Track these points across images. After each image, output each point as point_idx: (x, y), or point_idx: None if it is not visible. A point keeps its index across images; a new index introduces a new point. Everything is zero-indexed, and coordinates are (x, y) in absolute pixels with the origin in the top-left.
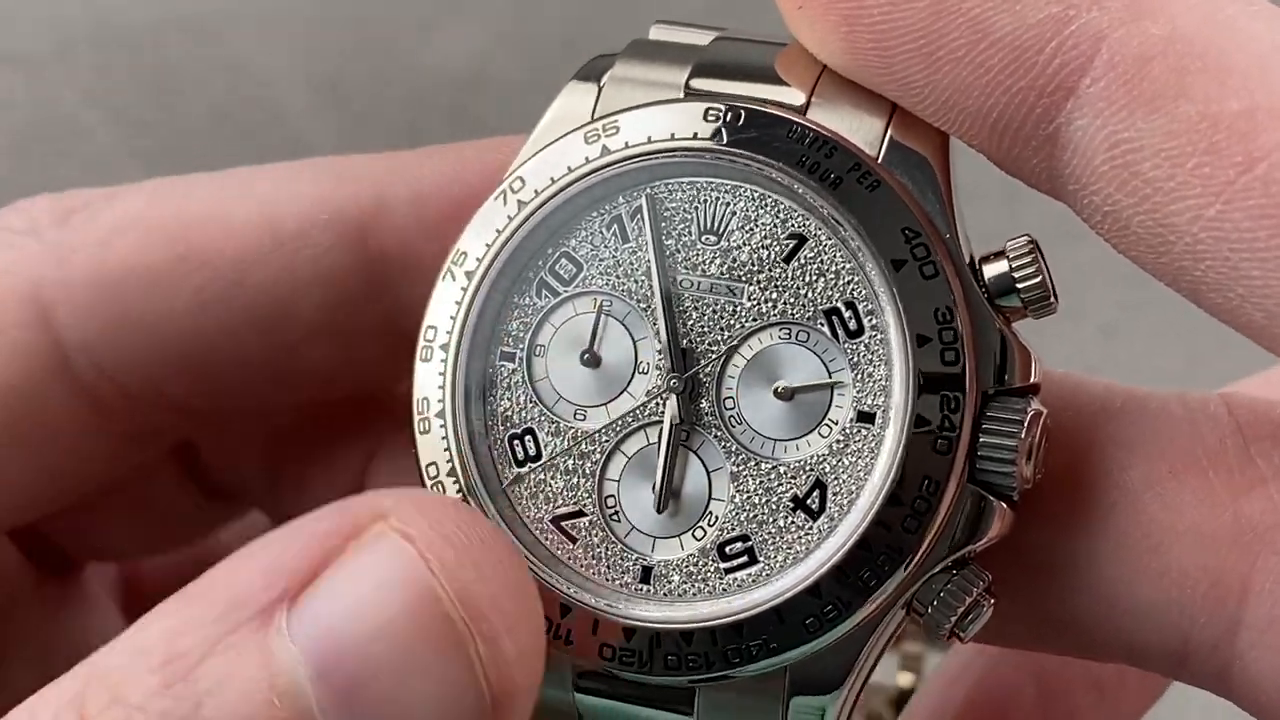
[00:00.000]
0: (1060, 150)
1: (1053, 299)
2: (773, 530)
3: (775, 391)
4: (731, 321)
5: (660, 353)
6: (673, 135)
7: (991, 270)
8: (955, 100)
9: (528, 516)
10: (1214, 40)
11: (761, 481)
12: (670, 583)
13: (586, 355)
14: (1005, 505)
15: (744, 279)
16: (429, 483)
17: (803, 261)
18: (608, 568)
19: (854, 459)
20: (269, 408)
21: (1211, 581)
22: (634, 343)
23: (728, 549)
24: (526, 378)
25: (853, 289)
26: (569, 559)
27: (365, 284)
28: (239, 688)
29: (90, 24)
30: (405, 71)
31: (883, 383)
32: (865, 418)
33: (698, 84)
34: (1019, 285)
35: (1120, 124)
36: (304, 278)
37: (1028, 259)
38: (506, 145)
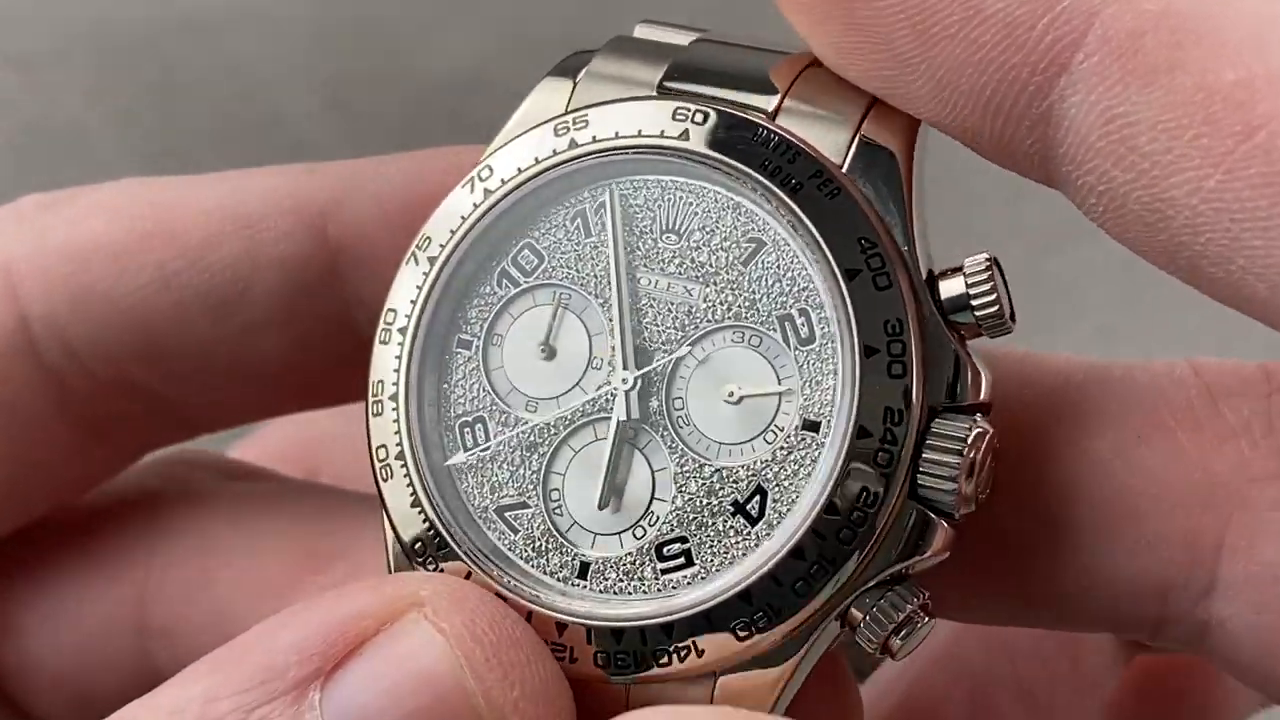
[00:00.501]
0: (1054, 129)
1: (1008, 320)
2: (711, 534)
3: (725, 396)
4: (687, 322)
5: (615, 349)
6: (640, 132)
7: (947, 288)
8: (948, 78)
9: (472, 505)
10: (1207, 12)
11: (704, 484)
12: (607, 580)
13: (542, 347)
14: (946, 524)
15: (701, 280)
16: (378, 465)
17: (761, 265)
18: (546, 561)
19: (796, 466)
20: (222, 402)
21: (1186, 544)
22: (590, 338)
23: (665, 549)
24: (482, 366)
25: (807, 296)
26: (509, 549)
27: (323, 272)
28: None
29: (90, 24)
30: (406, 73)
31: (830, 392)
32: (811, 426)
33: (672, 84)
34: (974, 304)
35: (1115, 99)
36: (263, 260)
37: (984, 278)
38: (476, 150)
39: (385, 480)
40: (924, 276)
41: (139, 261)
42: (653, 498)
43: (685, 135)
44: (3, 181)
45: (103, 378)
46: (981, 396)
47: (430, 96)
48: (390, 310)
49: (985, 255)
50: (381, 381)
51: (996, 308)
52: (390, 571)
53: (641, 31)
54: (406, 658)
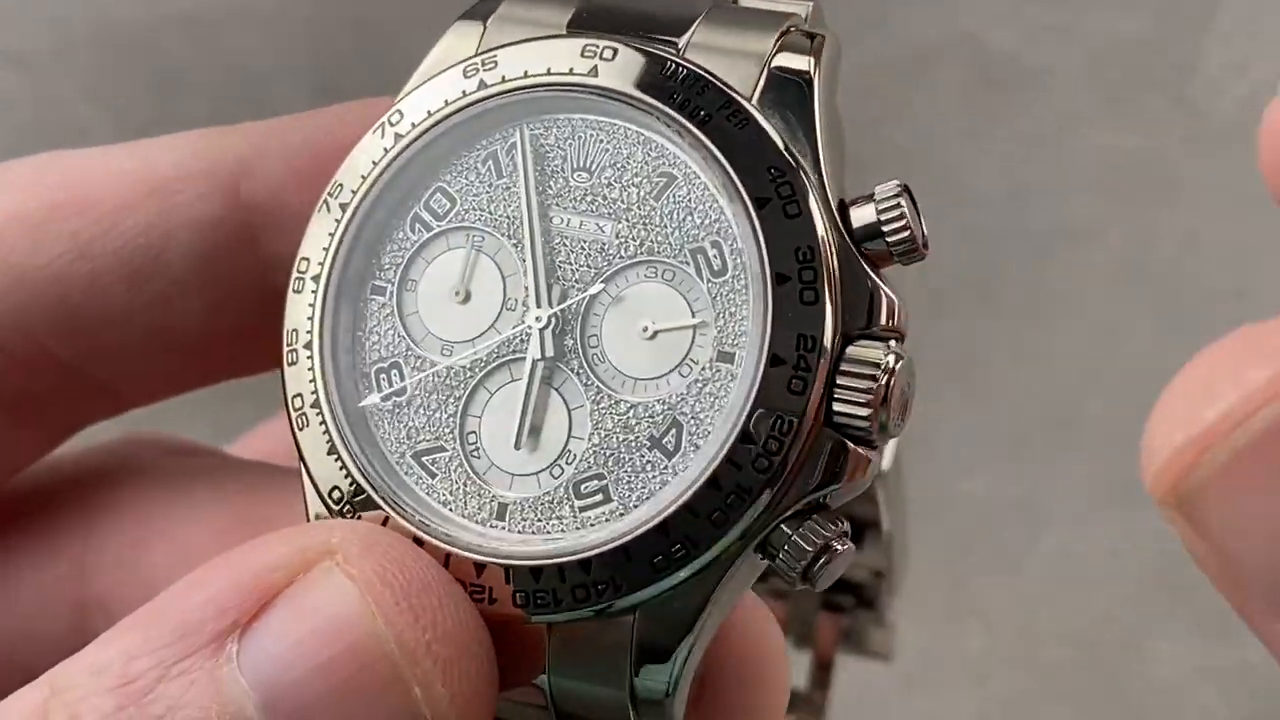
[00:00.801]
0: None
1: (921, 247)
2: (629, 469)
3: (639, 331)
4: (600, 259)
5: (529, 289)
6: (549, 70)
7: (858, 215)
8: None
9: (389, 450)
10: None
11: (620, 420)
12: (525, 519)
13: (456, 291)
14: (863, 451)
15: (614, 216)
16: (294, 414)
17: (672, 200)
18: (464, 504)
19: (711, 399)
20: (145, 374)
21: None
22: (504, 279)
23: (583, 487)
24: (396, 312)
25: (719, 228)
26: (427, 493)
27: (237, 234)
28: (190, 715)
29: (90, 24)
30: (405, 72)
31: (744, 322)
32: (725, 358)
33: (580, 28)
34: (885, 231)
35: None
36: (176, 223)
37: (892, 205)
38: (388, 103)
39: (301, 429)
40: (836, 205)
41: (53, 232)
42: (569, 436)
43: (594, 72)
44: None
45: (21, 355)
46: (896, 323)
47: None
48: (303, 259)
49: (896, 182)
50: (296, 330)
51: (908, 233)
52: (309, 520)
53: None
54: (319, 607)
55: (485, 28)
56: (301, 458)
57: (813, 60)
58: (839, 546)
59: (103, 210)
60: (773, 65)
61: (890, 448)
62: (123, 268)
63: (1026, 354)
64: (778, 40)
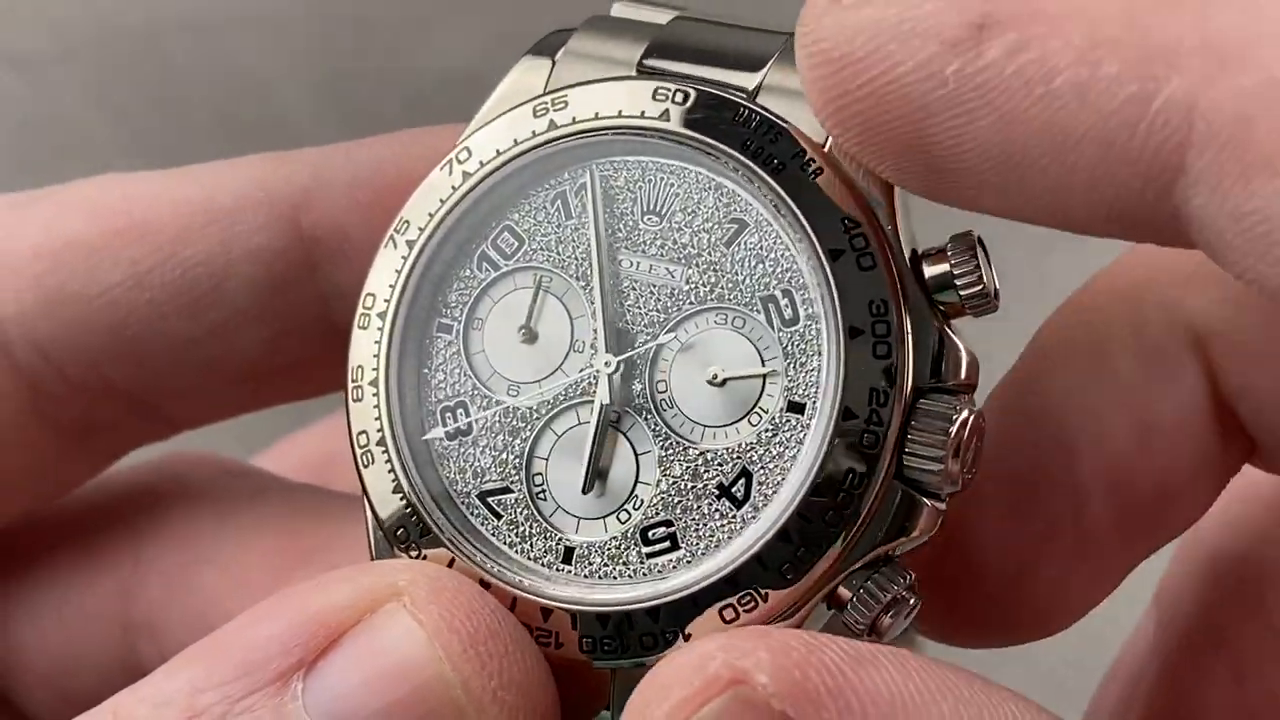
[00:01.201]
0: (1185, 228)
1: (993, 299)
2: (696, 517)
3: (708, 378)
4: (669, 304)
5: (596, 332)
6: (620, 113)
7: (931, 268)
8: (1055, 203)
9: (455, 490)
10: None
11: (688, 467)
12: (592, 564)
13: (523, 331)
14: (934, 504)
15: (684, 261)
16: (359, 451)
17: (743, 247)
18: (530, 546)
19: (781, 449)
20: (201, 400)
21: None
22: (571, 321)
23: (650, 534)
24: (463, 350)
25: (790, 277)
26: (493, 535)
27: (298, 264)
28: None
29: (90, 24)
30: (406, 71)
31: (815, 373)
32: (795, 408)
33: (651, 63)
34: (958, 283)
35: (1240, 196)
36: (236, 254)
37: (967, 256)
38: (450, 132)
39: (366, 466)
40: (908, 256)
41: (111, 259)
42: (637, 481)
43: (666, 115)
44: (2, 181)
45: (77, 380)
46: (965, 376)
47: (430, 95)
48: (369, 295)
49: (970, 233)
50: (361, 367)
51: (980, 286)
52: (372, 558)
53: (619, 10)
54: (385, 649)
55: (554, 64)
56: (366, 494)
57: None
58: (908, 598)
59: (163, 239)
60: None
61: None
62: (182, 297)
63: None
64: None
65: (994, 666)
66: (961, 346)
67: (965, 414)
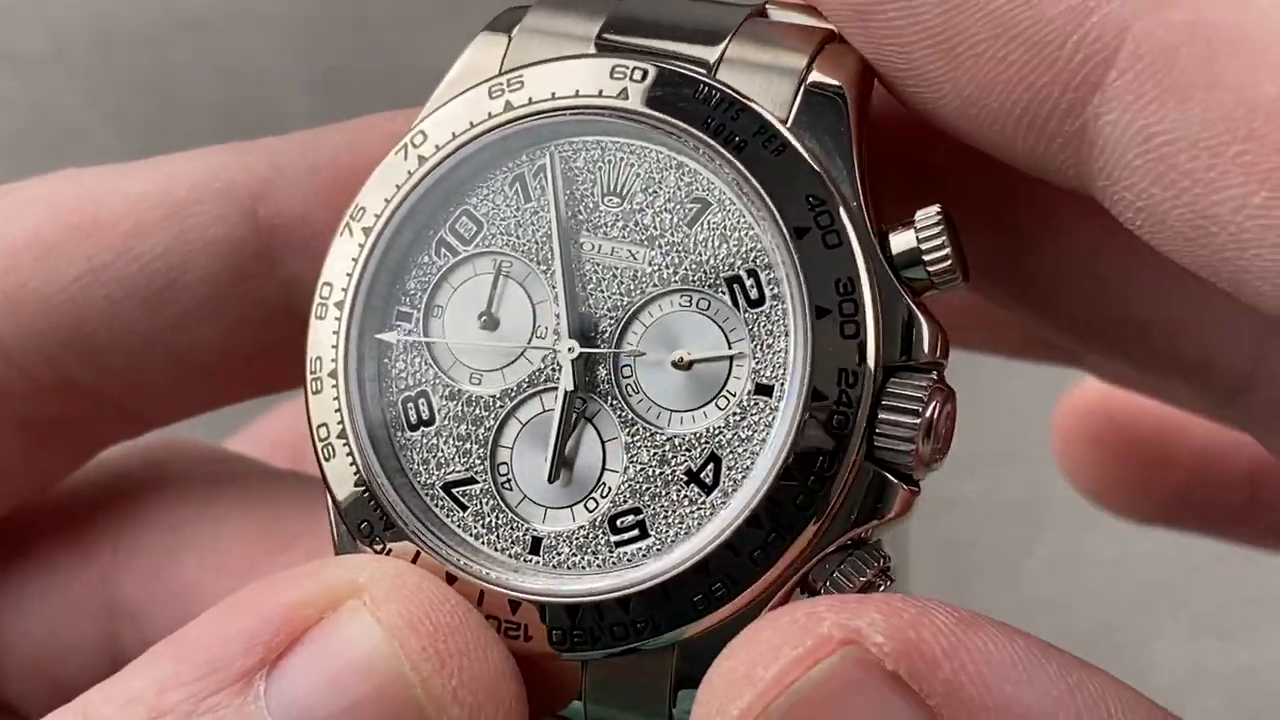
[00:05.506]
0: (1089, 146)
1: (960, 274)
2: (665, 504)
3: (674, 361)
4: (632, 287)
5: (559, 317)
6: (577, 92)
7: (898, 242)
8: (977, 97)
9: (418, 481)
10: (1240, 24)
11: (656, 453)
12: (560, 554)
13: (484, 317)
14: (905, 487)
15: (646, 243)
16: (319, 444)
17: (706, 227)
18: (497, 537)
19: (749, 432)
20: (167, 397)
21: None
22: (533, 306)
23: (619, 521)
24: (423, 339)
25: (755, 256)
26: (459, 527)
27: (256, 255)
28: None
29: (90, 24)
30: (405, 72)
31: (782, 355)
32: (763, 390)
33: (610, 37)
34: (925, 258)
35: (1152, 117)
36: (194, 245)
37: (935, 231)
38: (410, 116)
39: (328, 459)
40: (875, 231)
41: (68, 256)
42: (604, 469)
43: (624, 94)
44: (2, 182)
45: (41, 379)
46: (937, 354)
47: (430, 95)
48: (326, 284)
49: (936, 207)
50: (320, 358)
51: (949, 261)
52: (336, 553)
53: None
54: (346, 647)
55: (510, 40)
56: (328, 488)
57: (850, 76)
58: (881, 584)
59: (118, 233)
60: (809, 82)
61: None
62: (139, 292)
63: None
64: (814, 55)
65: None
66: (929, 323)
67: (936, 392)
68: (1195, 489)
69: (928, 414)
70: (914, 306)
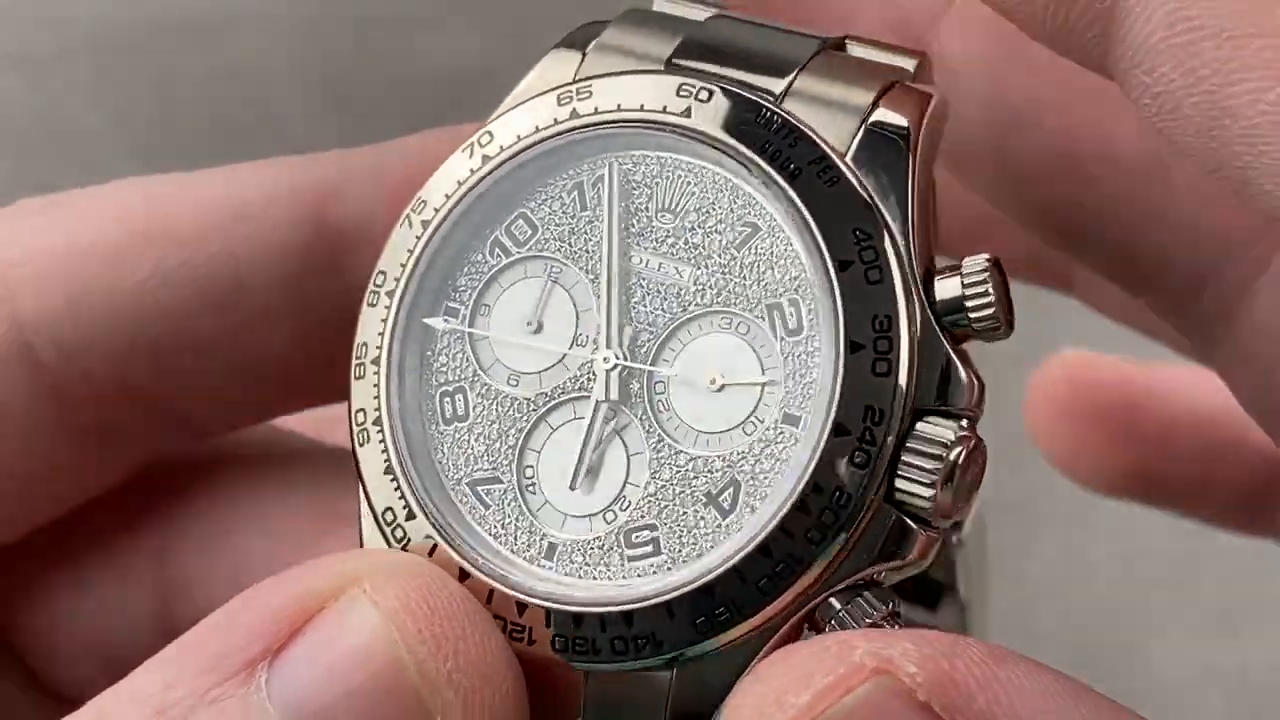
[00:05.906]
0: (1116, 24)
1: (1004, 326)
2: (681, 523)
3: (707, 382)
4: (675, 304)
5: (600, 327)
6: (642, 106)
7: (943, 288)
8: None
9: (445, 476)
10: None
11: (678, 472)
12: (573, 563)
13: (529, 321)
14: (925, 532)
15: (694, 262)
16: (355, 429)
17: (754, 251)
18: (514, 539)
19: (772, 461)
20: (226, 404)
21: None
22: (577, 314)
23: (634, 536)
24: (467, 335)
25: (798, 286)
26: (478, 524)
27: (322, 259)
28: None
29: (90, 24)
30: (405, 72)
31: (812, 386)
32: (791, 420)
33: (681, 60)
34: (969, 306)
35: (1182, 1)
36: (260, 250)
37: (981, 279)
38: (475, 129)
39: (361, 445)
40: (921, 274)
41: (135, 260)
42: (626, 482)
43: (688, 112)
44: (2, 181)
45: (102, 382)
46: (971, 403)
47: (430, 96)
48: (380, 272)
49: (986, 256)
50: (365, 344)
51: (991, 311)
52: (361, 540)
53: (660, 5)
54: (346, 634)
55: (584, 56)
56: (359, 474)
57: (914, 119)
58: (886, 627)
59: (184, 237)
60: (871, 121)
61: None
62: (205, 296)
63: (1027, 354)
64: (880, 94)
65: None
66: (966, 371)
67: (963, 439)
68: (1154, 462)
69: (951, 462)
70: (953, 353)
